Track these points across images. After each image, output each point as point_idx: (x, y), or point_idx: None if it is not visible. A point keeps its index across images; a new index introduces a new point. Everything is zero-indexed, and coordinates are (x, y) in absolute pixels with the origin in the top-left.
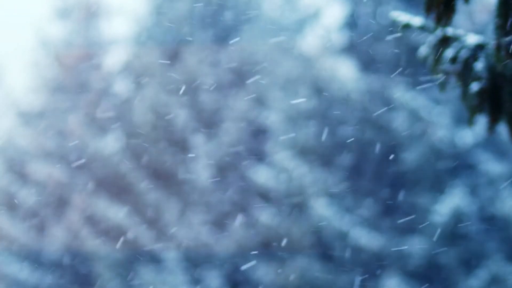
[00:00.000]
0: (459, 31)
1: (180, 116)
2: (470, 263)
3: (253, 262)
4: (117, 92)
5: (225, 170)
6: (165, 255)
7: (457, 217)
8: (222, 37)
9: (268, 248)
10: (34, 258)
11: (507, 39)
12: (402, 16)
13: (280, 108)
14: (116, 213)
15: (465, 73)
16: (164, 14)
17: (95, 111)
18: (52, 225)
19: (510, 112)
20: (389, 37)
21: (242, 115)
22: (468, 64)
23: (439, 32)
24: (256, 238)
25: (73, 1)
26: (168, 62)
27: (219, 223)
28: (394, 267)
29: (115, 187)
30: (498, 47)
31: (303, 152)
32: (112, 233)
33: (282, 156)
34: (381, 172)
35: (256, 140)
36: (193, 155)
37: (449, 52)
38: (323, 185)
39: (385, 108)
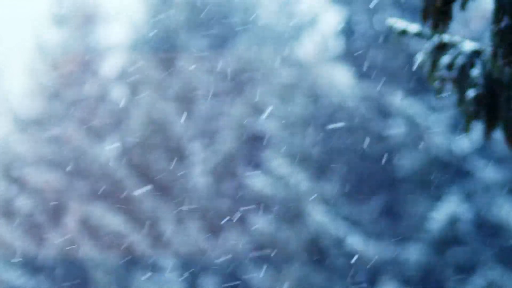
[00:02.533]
0: (456, 38)
1: (177, 123)
2: (466, 270)
3: (249, 269)
4: (114, 99)
5: (221, 177)
6: (162, 261)
7: (453, 224)
8: (219, 44)
9: (264, 255)
10: (31, 265)
11: (504, 45)
12: (399, 23)
13: (277, 115)
14: (112, 219)
15: (462, 79)
16: (161, 21)
17: (91, 118)
18: (48, 231)
19: (506, 118)
20: (386, 44)
21: (239, 122)
22: (464, 71)
23: (435, 39)
24: (253, 244)
25: (70, 7)
26: (165, 69)
27: (216, 230)
28: (390, 274)
29: (111, 194)
30: (495, 54)
31: (300, 159)
32: (108, 239)
33: (279, 163)
34: (377, 179)
35: (253, 147)
36: (189, 162)
37: (445, 59)
38: (319, 192)
39: (382, 115)
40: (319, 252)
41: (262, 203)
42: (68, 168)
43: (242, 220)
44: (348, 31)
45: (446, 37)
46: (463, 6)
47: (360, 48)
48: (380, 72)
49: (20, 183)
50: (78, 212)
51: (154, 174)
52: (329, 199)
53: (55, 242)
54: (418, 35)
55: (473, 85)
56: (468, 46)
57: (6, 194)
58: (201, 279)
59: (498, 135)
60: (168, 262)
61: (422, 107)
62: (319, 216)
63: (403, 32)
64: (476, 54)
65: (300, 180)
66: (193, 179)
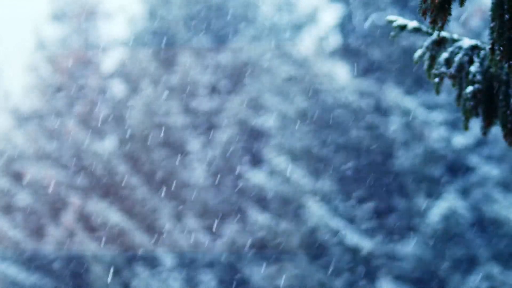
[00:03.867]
0: (454, 35)
1: (176, 118)
2: (464, 265)
3: (248, 263)
4: (113, 95)
5: (220, 172)
6: (161, 257)
7: (451, 220)
8: (218, 39)
9: (263, 250)
10: (30, 259)
11: (502, 41)
12: (398, 20)
13: (276, 111)
14: (111, 215)
15: (460, 75)
16: (161, 17)
17: (91, 113)
18: (48, 225)
19: (504, 114)
20: (385, 41)
21: (238, 118)
22: (463, 67)
23: (434, 35)
24: (252, 240)
25: (70, 4)
26: (164, 64)
27: (215, 225)
28: (388, 269)
29: (110, 189)
30: (493, 50)
31: (298, 155)
32: (107, 235)
33: (278, 159)
34: (376, 175)
35: (252, 143)
36: (188, 157)
37: (444, 55)
38: (317, 187)
39: (380, 111)
40: (317, 247)
41: (261, 198)
42: (68, 163)
43: (241, 216)
44: (347, 27)
45: (444, 34)
46: (462, 2)
47: (359, 44)
48: (379, 68)
49: (20, 178)
50: (78, 206)
51: (154, 169)
52: (327, 195)
53: (54, 237)
54: (417, 31)
55: (472, 81)
56: (467, 42)
57: (6, 188)
58: (200, 274)
59: (497, 130)
60: (167, 256)
61: (420, 103)
62: (317, 212)
63: (402, 28)
64: (474, 50)
65: (299, 176)
66: (192, 174)
